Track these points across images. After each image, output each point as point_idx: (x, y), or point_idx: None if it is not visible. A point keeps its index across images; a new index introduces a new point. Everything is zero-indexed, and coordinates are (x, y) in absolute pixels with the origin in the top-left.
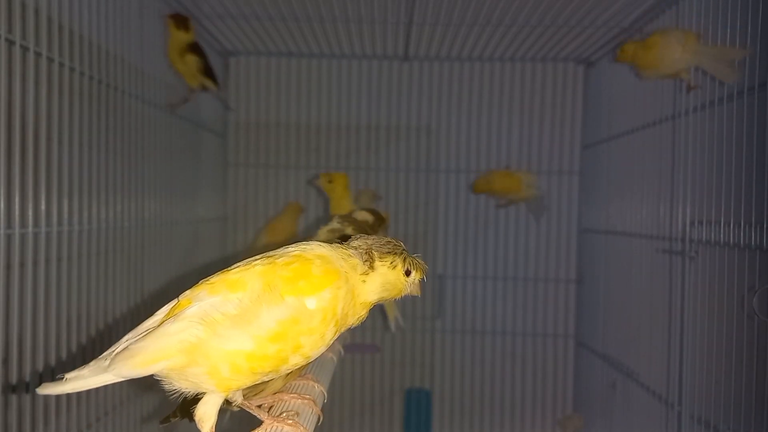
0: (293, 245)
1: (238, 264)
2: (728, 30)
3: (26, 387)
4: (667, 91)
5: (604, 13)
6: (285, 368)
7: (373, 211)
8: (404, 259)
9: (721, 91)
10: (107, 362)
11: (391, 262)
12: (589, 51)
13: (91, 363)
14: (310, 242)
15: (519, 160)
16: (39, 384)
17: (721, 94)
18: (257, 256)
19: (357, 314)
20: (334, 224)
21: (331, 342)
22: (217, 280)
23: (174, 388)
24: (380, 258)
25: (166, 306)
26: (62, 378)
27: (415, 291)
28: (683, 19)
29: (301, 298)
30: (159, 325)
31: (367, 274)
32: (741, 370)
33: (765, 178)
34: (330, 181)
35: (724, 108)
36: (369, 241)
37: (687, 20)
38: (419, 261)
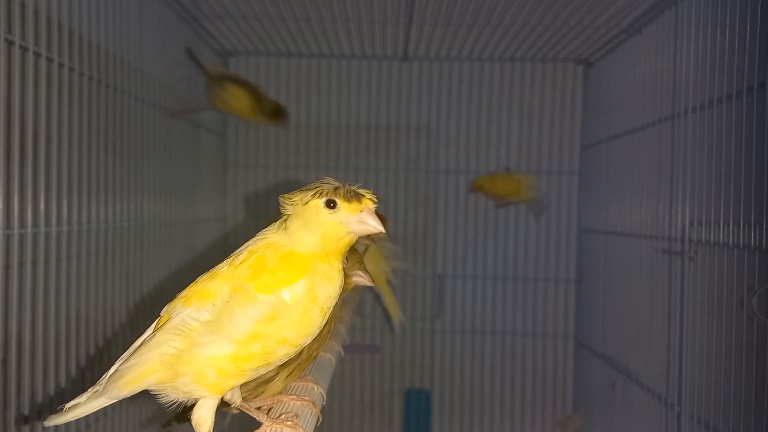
0: (250, 240)
1: (208, 272)
2: (727, 30)
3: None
4: (667, 91)
5: (603, 13)
6: (276, 359)
7: None
8: (316, 192)
9: (721, 91)
10: (102, 386)
11: (301, 199)
12: (588, 51)
13: (89, 390)
14: (260, 233)
15: (518, 161)
16: (37, 383)
17: (720, 94)
18: (223, 261)
19: (335, 285)
20: None
21: (324, 323)
22: (189, 292)
23: (170, 399)
24: (290, 201)
25: (153, 324)
26: (62, 408)
27: (370, 226)
28: (682, 19)
29: (277, 292)
30: (141, 344)
31: (285, 222)
32: (741, 370)
33: (765, 178)
34: None
35: (724, 108)
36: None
37: (686, 20)
38: (349, 191)
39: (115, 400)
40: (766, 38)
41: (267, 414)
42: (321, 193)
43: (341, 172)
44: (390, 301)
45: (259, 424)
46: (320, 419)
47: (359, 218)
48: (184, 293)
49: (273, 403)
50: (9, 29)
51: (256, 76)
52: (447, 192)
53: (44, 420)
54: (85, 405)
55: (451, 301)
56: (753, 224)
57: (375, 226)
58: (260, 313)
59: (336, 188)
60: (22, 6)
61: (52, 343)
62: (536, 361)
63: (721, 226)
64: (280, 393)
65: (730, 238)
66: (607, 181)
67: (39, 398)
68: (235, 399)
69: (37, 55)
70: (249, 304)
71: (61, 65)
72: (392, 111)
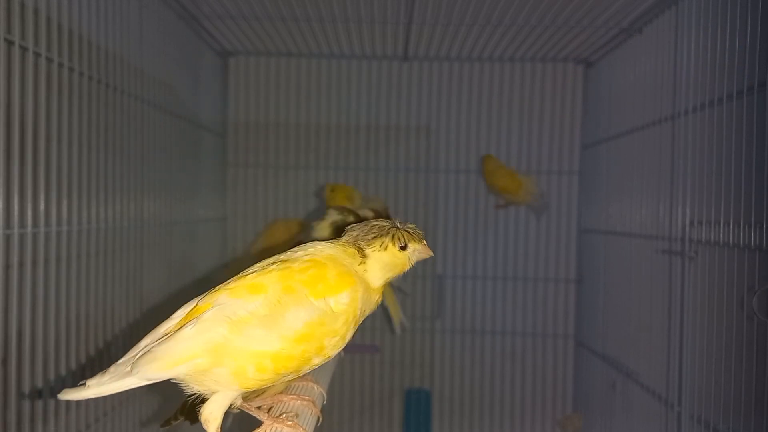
0: (301, 248)
1: (252, 268)
2: (728, 30)
3: (29, 393)
4: (667, 91)
5: (603, 13)
6: (306, 368)
7: (375, 210)
8: (392, 237)
9: (721, 90)
10: (129, 367)
11: (381, 245)
12: (588, 51)
13: (110, 368)
14: (316, 244)
15: (519, 160)
16: (37, 383)
17: (720, 94)
18: (269, 260)
19: (372, 303)
20: (334, 216)
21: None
22: (236, 284)
23: (192, 390)
24: (368, 245)
25: (182, 308)
26: (83, 384)
27: (425, 254)
28: (683, 18)
29: (326, 300)
30: (180, 328)
31: (364, 263)
32: (741, 370)
33: (765, 178)
34: (332, 190)
35: (724, 108)
36: (355, 233)
37: (687, 20)
38: (411, 230)
39: (145, 383)
40: (766, 38)
41: (267, 413)
42: (395, 239)
43: (341, 172)
44: (391, 301)
45: (259, 423)
46: (320, 419)
47: (419, 251)
48: (230, 285)
49: (273, 403)
50: (9, 29)
51: (255, 76)
52: (447, 192)
53: (59, 393)
54: (109, 384)
55: (451, 301)
56: (753, 224)
57: (429, 253)
58: (311, 315)
59: (402, 234)
60: (22, 6)
61: (52, 342)
62: (536, 361)
63: (721, 226)
64: (281, 392)
65: (730, 238)
66: (608, 181)
67: (39, 398)
68: (236, 399)
69: (37, 55)
70: (302, 306)
71: (60, 65)
72: (392, 111)
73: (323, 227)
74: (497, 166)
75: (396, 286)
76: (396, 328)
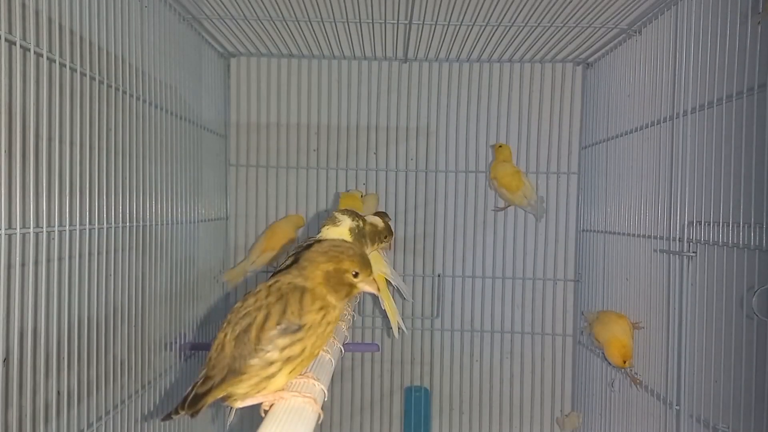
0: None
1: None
2: (728, 30)
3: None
4: (666, 91)
5: (602, 14)
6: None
7: (384, 220)
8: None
9: (721, 91)
10: None
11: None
12: (587, 52)
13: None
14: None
15: (518, 161)
16: (39, 383)
17: (720, 95)
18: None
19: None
20: (349, 222)
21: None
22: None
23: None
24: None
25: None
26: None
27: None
28: (683, 19)
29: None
30: None
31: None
32: (740, 370)
33: (765, 178)
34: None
35: (723, 108)
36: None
37: (686, 20)
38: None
39: None
40: (766, 39)
41: (267, 411)
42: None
43: (341, 173)
44: (388, 305)
45: (259, 420)
46: (321, 416)
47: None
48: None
49: (275, 400)
50: (10, 29)
51: (257, 77)
52: (447, 192)
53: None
54: None
55: (450, 301)
56: (753, 224)
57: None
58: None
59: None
60: (23, 6)
61: (54, 342)
62: (535, 360)
63: (721, 226)
64: (282, 390)
65: (730, 238)
66: (607, 181)
67: (41, 398)
68: (238, 396)
69: (39, 55)
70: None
71: (62, 65)
72: (392, 112)
73: (342, 233)
74: (507, 159)
75: (395, 288)
76: (395, 333)
